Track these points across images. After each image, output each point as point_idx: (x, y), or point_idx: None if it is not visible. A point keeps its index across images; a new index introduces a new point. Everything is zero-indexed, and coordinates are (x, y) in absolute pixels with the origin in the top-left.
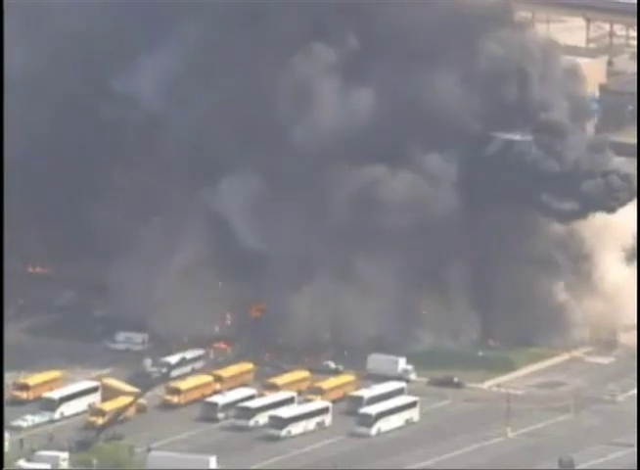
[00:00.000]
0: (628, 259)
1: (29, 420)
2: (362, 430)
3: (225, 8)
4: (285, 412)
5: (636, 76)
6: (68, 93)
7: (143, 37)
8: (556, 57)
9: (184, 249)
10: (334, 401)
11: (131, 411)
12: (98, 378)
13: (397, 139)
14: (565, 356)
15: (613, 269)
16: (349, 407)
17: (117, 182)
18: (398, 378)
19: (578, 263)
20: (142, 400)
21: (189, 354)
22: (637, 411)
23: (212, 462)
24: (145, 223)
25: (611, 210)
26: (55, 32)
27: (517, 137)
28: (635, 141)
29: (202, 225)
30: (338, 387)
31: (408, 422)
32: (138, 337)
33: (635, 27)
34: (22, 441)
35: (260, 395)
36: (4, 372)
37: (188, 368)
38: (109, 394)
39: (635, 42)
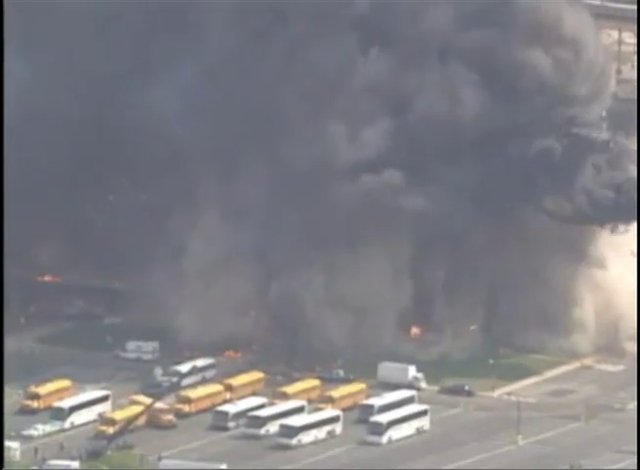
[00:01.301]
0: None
1: (40, 429)
2: (373, 438)
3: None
4: (295, 421)
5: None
6: (79, 103)
7: (156, 51)
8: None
9: (197, 255)
10: (344, 410)
11: (162, 427)
12: (130, 398)
13: (414, 149)
14: (575, 364)
15: (621, 275)
16: (360, 416)
17: (128, 191)
18: (409, 386)
19: (589, 270)
20: (171, 416)
21: (199, 363)
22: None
23: None
24: (155, 231)
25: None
26: (63, 48)
27: (595, 135)
28: None
29: (213, 230)
30: (348, 395)
31: (419, 430)
32: (148, 346)
33: None
34: (36, 450)
35: (271, 403)
36: (14, 381)
37: (198, 377)
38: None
39: None
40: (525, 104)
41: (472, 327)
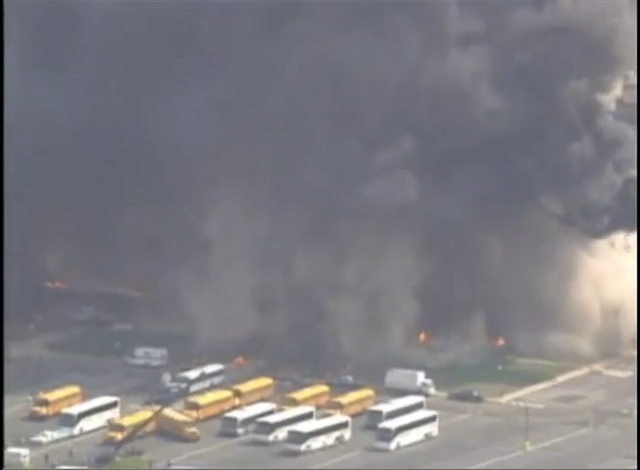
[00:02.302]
0: None
1: (49, 436)
2: (381, 444)
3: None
4: (304, 427)
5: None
6: (96, 114)
7: (175, 67)
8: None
9: (214, 255)
10: (353, 416)
11: (185, 439)
12: (154, 409)
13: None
14: (584, 370)
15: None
16: (369, 422)
17: (138, 198)
18: (417, 392)
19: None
20: (195, 429)
21: (208, 369)
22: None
23: None
24: (166, 238)
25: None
26: (82, 64)
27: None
28: None
29: (228, 230)
30: (357, 401)
31: (427, 436)
32: (157, 352)
33: None
34: (46, 456)
35: (279, 409)
36: (23, 387)
37: (207, 383)
38: (165, 425)
39: None
40: (552, 111)
41: (500, 342)
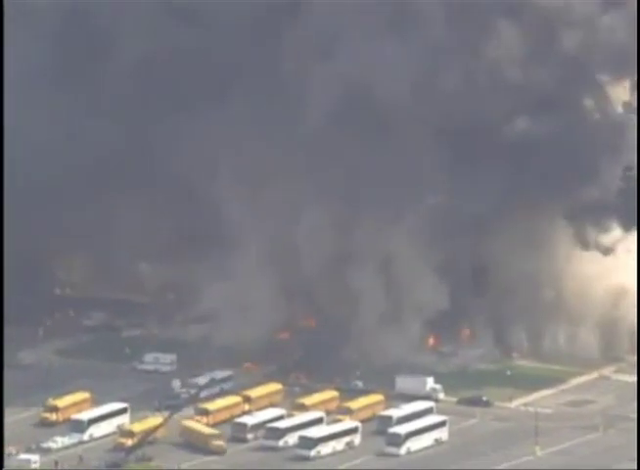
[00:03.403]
0: None
1: (59, 442)
2: (391, 449)
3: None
4: (314, 432)
5: None
6: (111, 124)
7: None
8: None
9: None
10: (363, 421)
11: (212, 452)
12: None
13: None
14: (593, 375)
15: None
16: (378, 427)
17: (147, 203)
18: (427, 397)
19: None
20: (221, 442)
21: (217, 375)
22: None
23: None
24: (175, 245)
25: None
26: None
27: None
28: None
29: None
30: (366, 407)
31: (437, 441)
32: (166, 357)
33: None
34: (55, 462)
35: (289, 415)
36: (33, 393)
37: (217, 389)
38: (192, 437)
39: None
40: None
41: (514, 354)
